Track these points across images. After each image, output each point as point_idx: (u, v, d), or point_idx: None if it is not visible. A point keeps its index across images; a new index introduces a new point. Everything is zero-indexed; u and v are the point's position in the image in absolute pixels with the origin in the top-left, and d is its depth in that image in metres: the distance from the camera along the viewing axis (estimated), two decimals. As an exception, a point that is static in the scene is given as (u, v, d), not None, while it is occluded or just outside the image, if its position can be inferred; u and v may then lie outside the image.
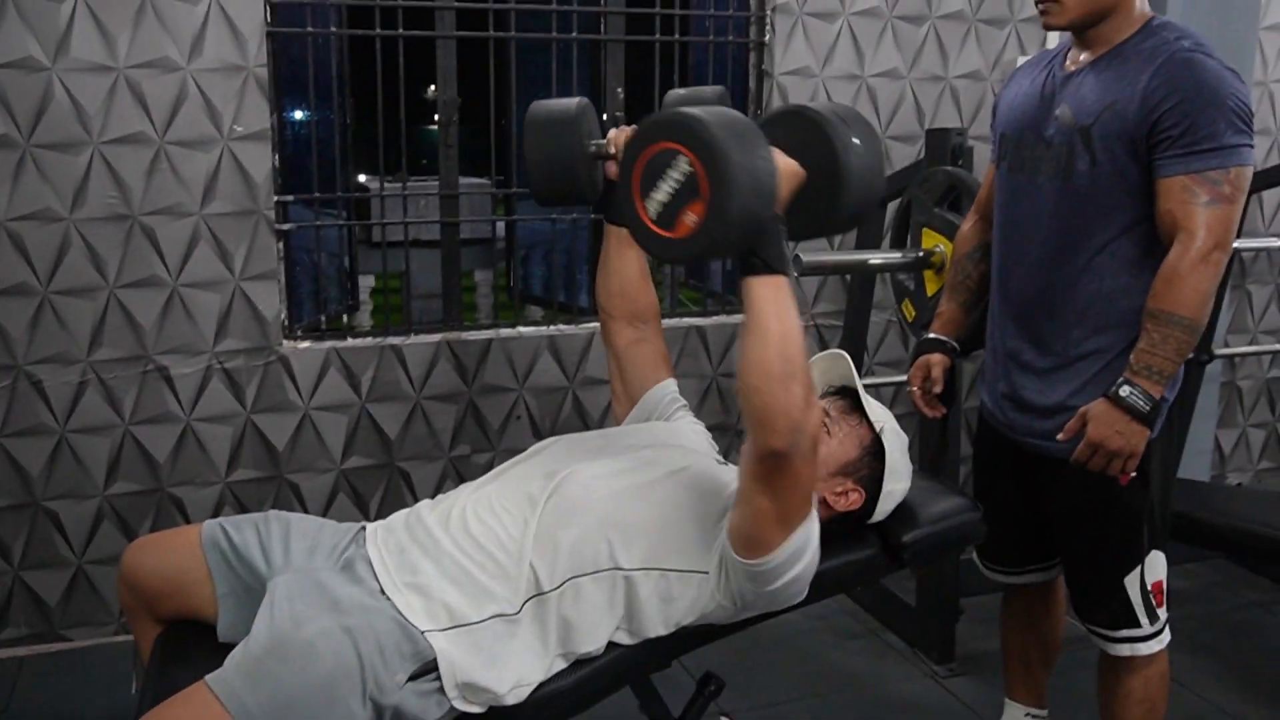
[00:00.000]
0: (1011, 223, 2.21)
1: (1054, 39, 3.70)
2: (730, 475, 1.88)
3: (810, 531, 1.74)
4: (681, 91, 2.21)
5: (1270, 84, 4.06)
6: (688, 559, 1.80)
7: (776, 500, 1.67)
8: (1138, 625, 2.19)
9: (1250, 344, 4.19)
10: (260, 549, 1.92)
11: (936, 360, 2.40)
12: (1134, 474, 2.05)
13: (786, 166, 1.65)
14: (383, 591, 1.80)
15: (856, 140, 1.69)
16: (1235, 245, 3.04)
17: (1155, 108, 1.94)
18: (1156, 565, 2.19)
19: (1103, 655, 2.28)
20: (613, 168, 2.10)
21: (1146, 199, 2.00)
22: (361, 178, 7.95)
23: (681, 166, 1.52)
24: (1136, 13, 2.04)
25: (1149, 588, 2.17)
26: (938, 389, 2.40)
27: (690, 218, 1.53)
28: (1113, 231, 2.05)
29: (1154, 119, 1.94)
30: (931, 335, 2.44)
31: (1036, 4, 2.07)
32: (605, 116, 3.45)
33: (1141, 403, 1.97)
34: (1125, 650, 2.22)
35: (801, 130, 1.70)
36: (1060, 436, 2.07)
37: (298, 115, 3.40)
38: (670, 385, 2.22)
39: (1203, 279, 1.93)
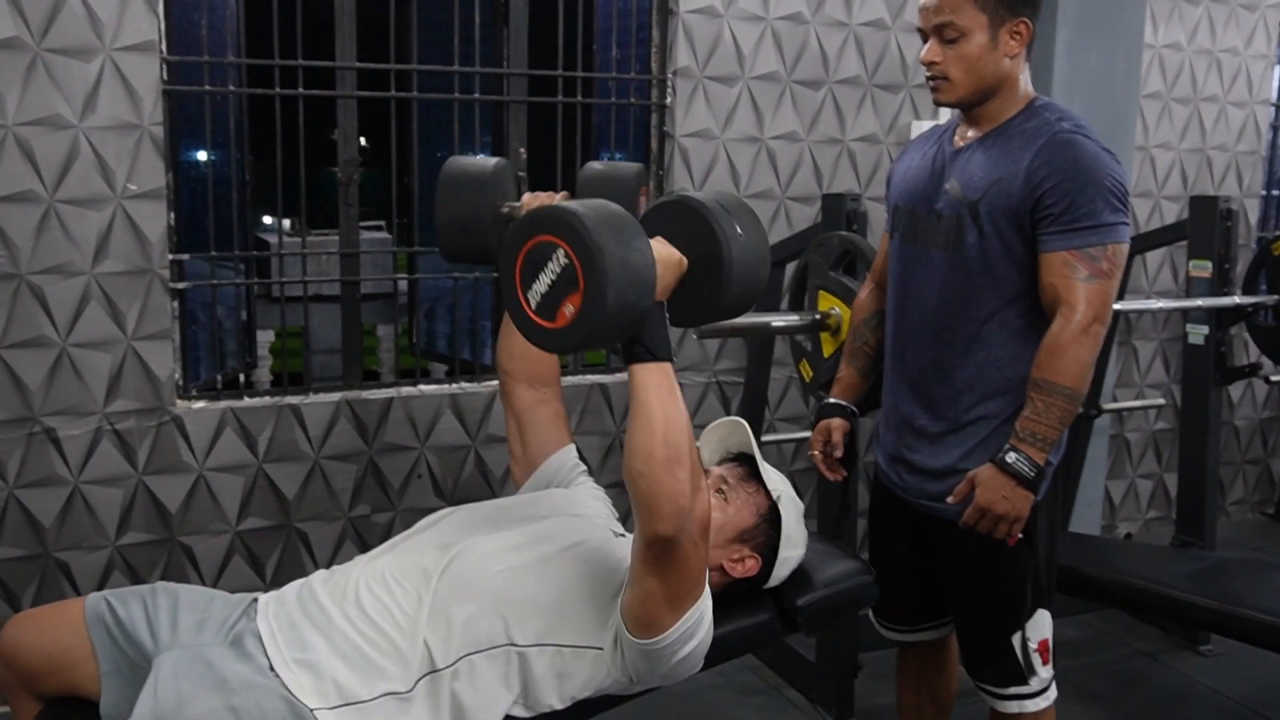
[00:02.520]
0: (905, 292, 2.26)
1: (946, 112, 3.82)
2: (627, 549, 1.88)
3: (703, 610, 1.76)
4: (599, 165, 2.21)
5: (1151, 149, 4.24)
6: (583, 635, 1.80)
7: (666, 583, 1.69)
8: (1024, 683, 2.24)
9: (1136, 398, 4.34)
10: (147, 624, 1.87)
11: (837, 425, 2.44)
12: (1020, 536, 2.10)
13: (668, 256, 1.70)
14: (272, 668, 1.77)
15: (739, 229, 1.73)
16: (1122, 306, 3.16)
17: (1037, 186, 2.02)
18: (1041, 624, 2.24)
19: (992, 713, 2.32)
20: None
21: (1032, 272, 2.08)
22: (266, 219, 7.84)
23: (559, 259, 1.55)
24: (1020, 92, 2.13)
25: (1034, 646, 2.22)
26: (838, 454, 2.44)
27: (569, 309, 1.55)
28: (1001, 302, 2.12)
29: (1036, 196, 2.03)
30: (831, 400, 2.49)
31: (927, 80, 2.14)
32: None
33: (1026, 469, 2.03)
34: (1013, 707, 2.26)
35: (686, 219, 1.74)
36: (949, 499, 2.13)
37: (195, 170, 3.35)
38: (570, 452, 2.24)
39: (1083, 350, 2.01)
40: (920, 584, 2.40)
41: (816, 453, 2.48)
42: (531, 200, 2.14)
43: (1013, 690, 2.25)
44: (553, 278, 1.56)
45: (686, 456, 1.62)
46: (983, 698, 2.31)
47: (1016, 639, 2.22)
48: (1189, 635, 3.58)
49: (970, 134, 2.17)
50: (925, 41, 2.12)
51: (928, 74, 2.13)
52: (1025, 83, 2.14)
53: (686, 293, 1.74)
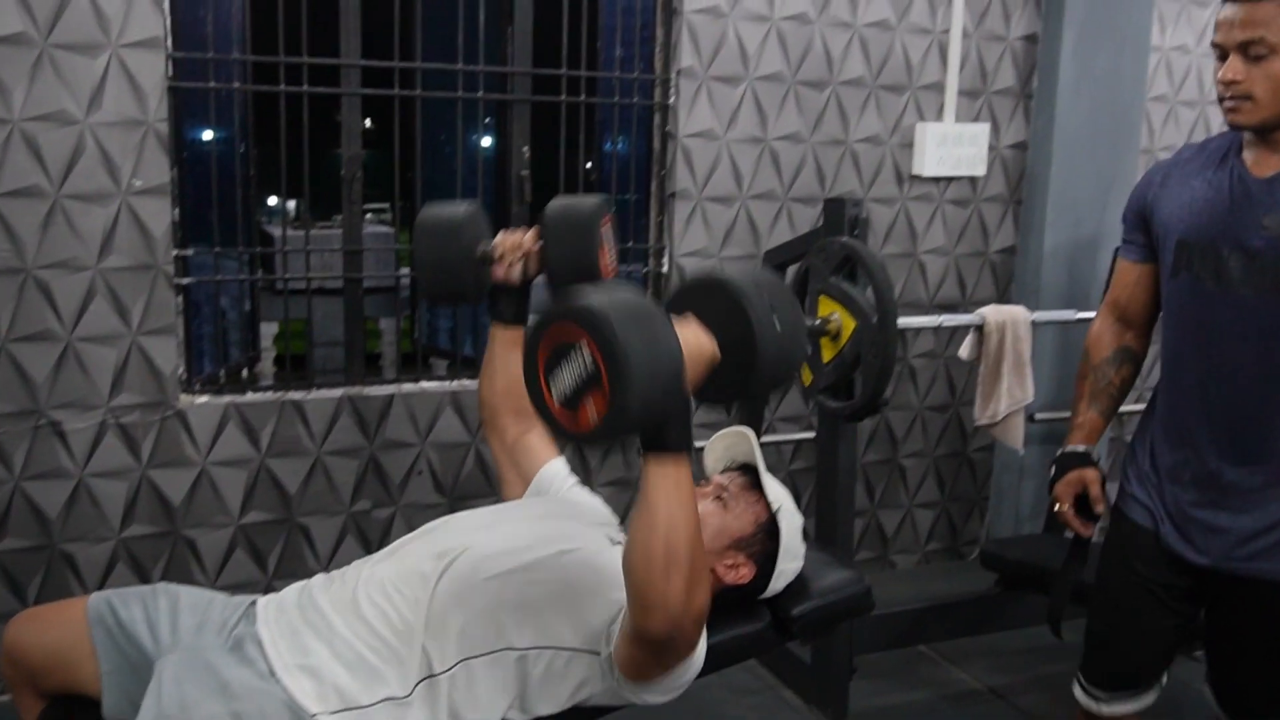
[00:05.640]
0: (1207, 337, 2.04)
1: (950, 117, 3.82)
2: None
3: (695, 658, 1.77)
4: (561, 200, 2.24)
5: (1157, 151, 4.23)
6: (579, 637, 1.82)
7: (658, 660, 1.71)
8: None
9: (1137, 401, 4.34)
10: (147, 625, 1.90)
11: (1093, 478, 2.23)
12: None
13: (699, 348, 1.61)
14: (273, 673, 1.79)
15: (776, 318, 1.67)
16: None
17: None
18: None
19: None
20: (500, 270, 2.19)
21: None
22: (271, 200, 7.85)
23: (584, 356, 1.47)
24: None
25: None
26: (1099, 508, 2.23)
27: (591, 411, 1.48)
28: None
29: None
30: (1078, 449, 2.27)
31: (1222, 100, 1.93)
32: (511, 175, 3.49)
33: None
34: None
35: (720, 301, 1.68)
36: None
37: (201, 164, 3.36)
38: (561, 463, 2.26)
39: None
40: (1161, 651, 2.20)
41: (1067, 507, 2.24)
42: (505, 240, 2.20)
43: None
44: (576, 375, 1.49)
45: (685, 561, 1.57)
46: None
47: None
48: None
49: (1272, 160, 1.95)
50: (1221, 59, 1.91)
51: (1226, 94, 1.91)
52: None
53: (715, 380, 1.67)
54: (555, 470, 2.24)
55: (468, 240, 2.18)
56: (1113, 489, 2.24)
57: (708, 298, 1.70)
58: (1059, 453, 2.29)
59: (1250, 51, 1.86)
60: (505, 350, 2.28)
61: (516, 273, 2.22)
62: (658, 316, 1.52)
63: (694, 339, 1.61)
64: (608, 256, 2.23)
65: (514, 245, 2.20)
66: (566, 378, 1.50)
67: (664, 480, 1.56)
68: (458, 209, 2.22)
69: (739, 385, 1.72)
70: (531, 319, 1.56)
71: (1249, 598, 2.04)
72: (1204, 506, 2.06)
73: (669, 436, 1.56)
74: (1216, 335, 2.02)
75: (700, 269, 1.82)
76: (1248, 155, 1.98)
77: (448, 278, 2.19)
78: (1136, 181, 2.23)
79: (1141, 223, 2.16)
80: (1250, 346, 1.98)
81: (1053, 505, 2.28)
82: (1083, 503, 2.23)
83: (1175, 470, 2.10)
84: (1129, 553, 2.19)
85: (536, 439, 2.28)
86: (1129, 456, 2.23)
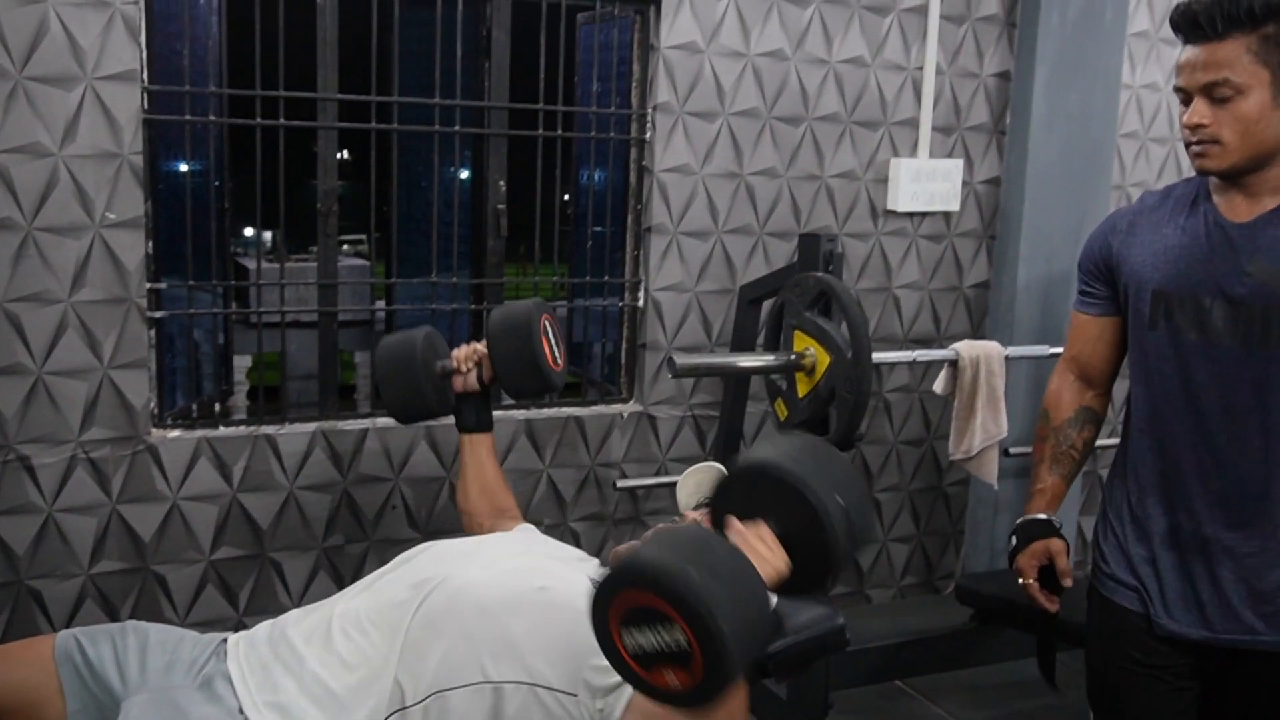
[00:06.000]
0: (1190, 393, 1.92)
1: (924, 152, 3.85)
2: None
3: None
4: (502, 307, 2.42)
5: (1128, 187, 4.28)
6: (558, 676, 1.80)
7: None
8: None
9: (1110, 436, 4.36)
10: (116, 664, 1.88)
11: (1059, 549, 2.10)
12: None
13: (776, 572, 1.59)
14: (241, 710, 1.78)
15: (839, 495, 1.62)
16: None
17: None
18: None
19: None
20: (459, 382, 2.43)
21: None
22: (247, 231, 7.86)
23: (678, 638, 1.38)
24: None
25: None
26: (1068, 581, 2.10)
27: (672, 679, 1.41)
28: None
29: None
30: (1039, 517, 2.13)
31: (1189, 145, 1.84)
32: (487, 208, 3.49)
33: None
34: None
35: (787, 498, 1.62)
36: None
37: (176, 197, 3.35)
38: (531, 528, 2.35)
39: None
40: None
41: (1032, 581, 2.11)
42: (459, 352, 2.41)
43: None
44: (663, 646, 1.39)
45: None
46: None
47: None
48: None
49: (1247, 204, 1.86)
50: (1185, 103, 1.83)
51: (1193, 139, 1.82)
52: None
53: (788, 584, 1.64)
54: (528, 528, 2.29)
55: (426, 360, 2.38)
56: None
57: (768, 491, 1.64)
58: (1019, 521, 2.16)
59: (1215, 94, 1.78)
60: (475, 455, 2.47)
61: (474, 379, 2.44)
62: (759, 595, 1.46)
63: (771, 562, 1.59)
64: (550, 351, 2.38)
65: (468, 355, 2.42)
66: (649, 641, 1.41)
67: (728, 701, 1.52)
68: (414, 335, 2.41)
69: (813, 586, 1.69)
70: (608, 567, 1.48)
71: (1247, 668, 1.94)
72: (1200, 573, 1.93)
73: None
74: (1203, 390, 1.90)
75: (754, 456, 1.72)
76: (1219, 201, 1.89)
77: (414, 398, 2.40)
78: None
79: (1104, 273, 2.06)
80: (1241, 401, 1.87)
81: (1016, 579, 2.15)
82: (1048, 574, 2.11)
83: (1168, 536, 1.97)
84: (1121, 641, 2.04)
85: (513, 513, 2.44)
86: (1103, 527, 2.11)
